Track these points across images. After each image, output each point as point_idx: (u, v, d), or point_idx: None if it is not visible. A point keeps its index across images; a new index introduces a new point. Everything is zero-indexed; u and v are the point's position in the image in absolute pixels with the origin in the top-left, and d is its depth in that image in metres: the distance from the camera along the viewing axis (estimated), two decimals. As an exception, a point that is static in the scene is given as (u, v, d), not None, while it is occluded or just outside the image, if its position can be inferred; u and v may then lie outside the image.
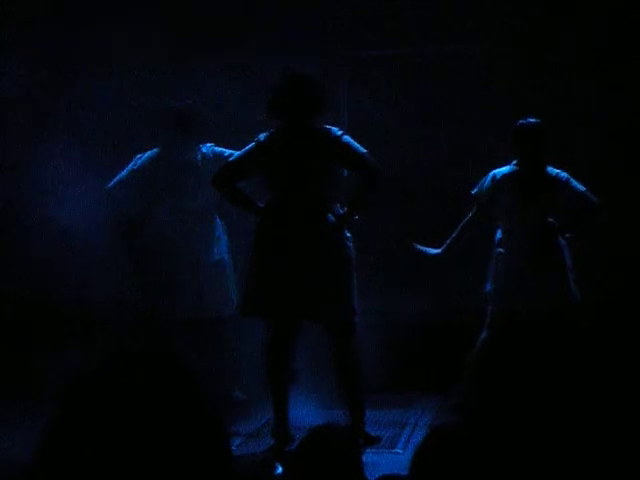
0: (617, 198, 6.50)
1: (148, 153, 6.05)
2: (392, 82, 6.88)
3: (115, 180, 5.99)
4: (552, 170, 5.78)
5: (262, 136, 5.16)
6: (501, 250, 5.77)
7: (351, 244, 5.17)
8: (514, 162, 5.82)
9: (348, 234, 5.16)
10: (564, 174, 5.77)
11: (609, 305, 6.21)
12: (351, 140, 5.12)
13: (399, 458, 4.95)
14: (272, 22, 6.71)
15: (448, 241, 5.88)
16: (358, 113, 6.77)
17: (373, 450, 5.15)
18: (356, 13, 6.88)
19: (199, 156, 6.00)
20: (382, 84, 6.88)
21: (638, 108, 6.50)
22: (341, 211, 5.15)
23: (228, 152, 5.77)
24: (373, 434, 5.32)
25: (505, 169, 5.83)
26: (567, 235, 5.78)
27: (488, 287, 5.79)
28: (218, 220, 6.09)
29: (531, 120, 5.71)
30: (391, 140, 6.83)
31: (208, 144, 6.03)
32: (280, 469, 4.49)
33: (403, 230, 6.32)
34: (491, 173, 5.84)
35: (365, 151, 5.10)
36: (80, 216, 5.86)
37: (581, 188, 5.73)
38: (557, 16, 6.60)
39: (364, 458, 4.37)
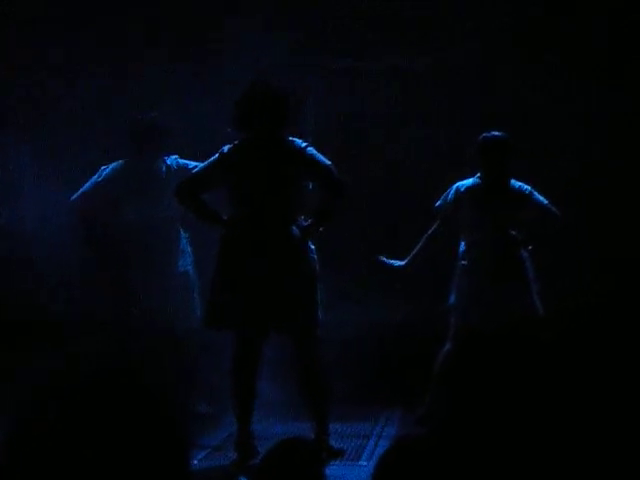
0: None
1: (113, 165, 6.04)
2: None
3: (79, 192, 5.98)
4: (515, 183, 5.79)
5: (226, 148, 5.14)
6: (464, 262, 5.79)
7: (315, 256, 5.15)
8: (478, 175, 5.82)
9: (312, 246, 5.15)
10: (527, 187, 5.77)
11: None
12: (315, 152, 5.12)
13: (363, 470, 4.90)
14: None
15: (412, 253, 5.87)
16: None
17: (337, 463, 5.09)
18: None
19: (164, 168, 6.00)
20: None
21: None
22: (305, 223, 5.13)
23: (193, 164, 5.75)
24: (337, 447, 5.27)
25: (468, 182, 5.83)
26: (529, 247, 5.77)
27: (451, 299, 5.80)
28: (182, 232, 6.08)
29: (495, 133, 5.70)
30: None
31: (173, 156, 6.03)
32: (244, 483, 4.49)
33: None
34: (454, 186, 5.84)
35: (329, 163, 5.10)
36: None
37: (543, 201, 5.74)
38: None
39: (328, 471, 4.31)
